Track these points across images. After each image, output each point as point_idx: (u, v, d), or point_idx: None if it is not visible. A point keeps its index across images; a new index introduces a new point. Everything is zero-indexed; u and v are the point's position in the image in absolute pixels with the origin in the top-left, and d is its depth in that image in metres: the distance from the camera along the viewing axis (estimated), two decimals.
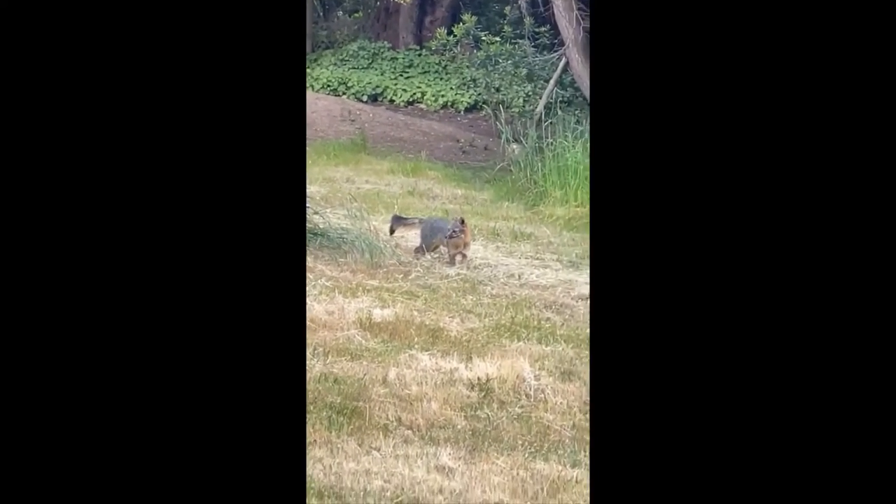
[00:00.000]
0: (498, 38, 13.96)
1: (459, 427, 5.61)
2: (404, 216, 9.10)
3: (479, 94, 15.51)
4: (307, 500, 4.51)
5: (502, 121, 12.88)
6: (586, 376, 5.97)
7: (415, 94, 16.42)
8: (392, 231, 8.94)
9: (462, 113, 15.99)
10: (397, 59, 17.31)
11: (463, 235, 8.45)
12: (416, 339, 6.73)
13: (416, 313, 7.20)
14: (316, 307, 7.13)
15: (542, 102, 13.41)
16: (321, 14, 19.02)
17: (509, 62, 13.85)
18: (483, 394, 5.98)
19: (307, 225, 8.66)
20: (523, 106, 13.70)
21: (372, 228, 8.69)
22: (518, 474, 5.11)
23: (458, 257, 8.51)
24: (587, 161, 10.28)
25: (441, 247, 8.57)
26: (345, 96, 16.27)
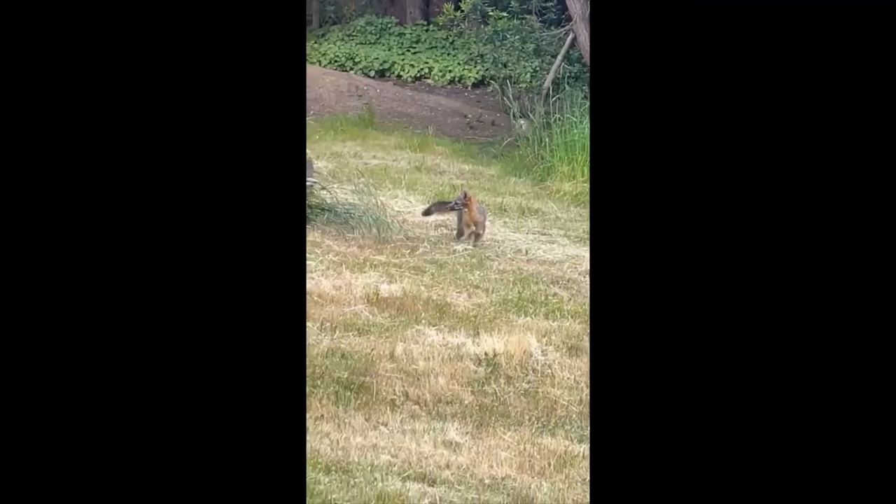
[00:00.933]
0: (505, 14, 13.91)
1: (466, 402, 5.62)
2: (447, 201, 8.89)
3: (487, 69, 15.46)
4: (316, 475, 4.54)
5: (510, 96, 12.85)
6: None
7: (422, 69, 16.38)
8: (428, 213, 8.76)
9: (469, 88, 15.96)
10: (405, 34, 17.26)
11: (465, 209, 8.34)
12: (423, 314, 6.74)
13: (423, 289, 7.21)
14: (323, 282, 7.14)
15: (549, 78, 13.38)
16: None
17: (517, 37, 13.80)
18: (490, 369, 5.99)
19: (314, 200, 8.66)
20: (531, 81, 13.66)
21: (379, 204, 8.68)
22: (525, 449, 5.12)
23: (472, 237, 8.40)
24: None
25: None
26: (352, 71, 16.23)
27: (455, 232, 8.46)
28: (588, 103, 11.49)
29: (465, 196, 8.37)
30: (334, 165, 10.45)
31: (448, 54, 16.76)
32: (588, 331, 6.42)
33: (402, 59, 16.59)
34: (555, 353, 6.20)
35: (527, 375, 5.97)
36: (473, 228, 8.42)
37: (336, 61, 16.47)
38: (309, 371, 5.69)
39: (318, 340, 6.16)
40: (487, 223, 8.65)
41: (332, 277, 7.29)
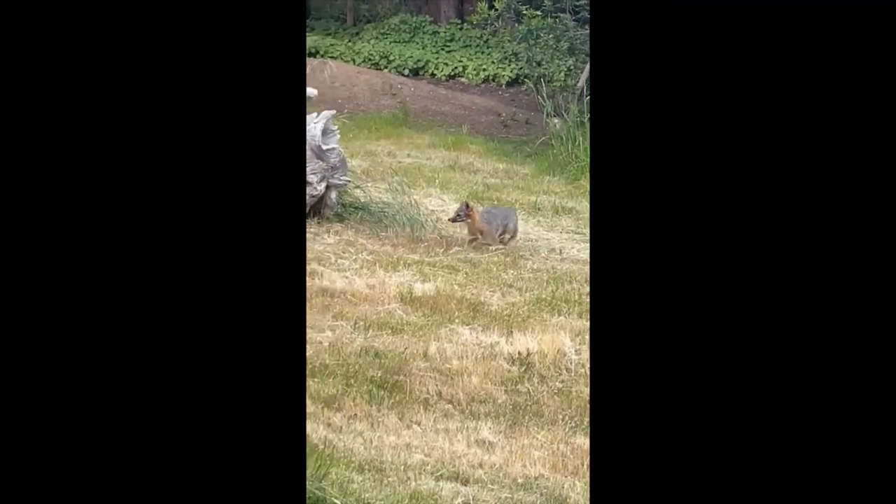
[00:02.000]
0: (539, 12, 13.88)
1: (500, 401, 5.61)
2: (489, 208, 8.71)
3: (521, 68, 15.44)
4: (349, 474, 4.54)
5: (544, 95, 12.83)
6: None
7: (456, 68, 16.38)
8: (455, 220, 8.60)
9: (503, 87, 15.94)
10: (439, 33, 17.26)
11: (468, 220, 8.17)
12: (456, 313, 6.73)
13: (456, 287, 7.20)
14: (357, 281, 7.15)
15: (583, 76, 13.34)
16: None
17: (550, 36, 13.78)
18: (524, 368, 5.98)
19: (348, 199, 8.67)
20: (565, 80, 13.64)
21: (413, 202, 8.68)
22: (558, 448, 5.11)
23: (480, 246, 8.19)
24: None
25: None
26: (386, 70, 16.25)
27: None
28: None
29: (467, 207, 8.24)
30: (368, 164, 10.46)
31: (482, 53, 16.76)
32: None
33: (437, 58, 16.60)
34: (588, 352, 6.18)
35: (560, 375, 5.95)
36: (480, 238, 8.25)
37: (370, 60, 16.49)
38: (342, 370, 5.70)
39: (351, 339, 6.17)
40: (521, 222, 8.62)
41: (365, 276, 7.30)
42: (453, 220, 8.29)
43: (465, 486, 4.69)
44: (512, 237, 8.37)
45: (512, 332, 6.43)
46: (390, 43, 17.04)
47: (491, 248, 8.20)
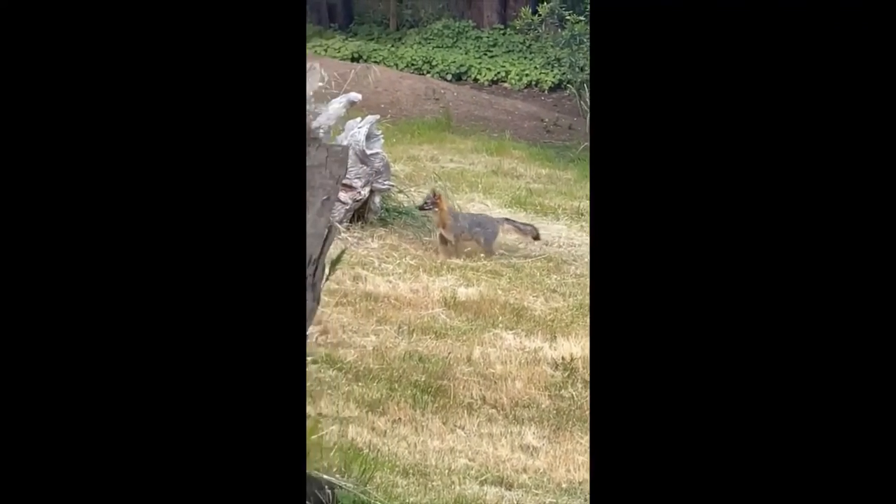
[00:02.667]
0: (582, 18, 13.86)
1: (544, 406, 5.62)
2: (516, 221, 8.56)
3: (564, 73, 15.42)
4: (394, 478, 4.56)
5: (586, 100, 12.81)
6: None
7: (499, 73, 16.38)
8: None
9: (546, 92, 15.92)
10: (482, 37, 17.27)
11: (436, 209, 7.96)
12: (500, 318, 6.74)
13: (500, 292, 7.21)
14: (401, 286, 7.17)
15: None
16: None
17: None
18: (567, 373, 5.98)
19: (392, 203, 8.70)
20: None
21: (457, 207, 8.70)
22: None
23: (444, 242, 7.97)
24: None
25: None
26: (429, 75, 16.27)
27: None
28: None
29: (434, 195, 8.06)
30: (411, 169, 10.49)
31: (525, 58, 16.75)
32: None
33: (479, 63, 16.60)
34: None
35: None
36: (441, 231, 8.02)
37: (413, 65, 16.52)
38: (386, 374, 5.72)
39: (395, 343, 6.19)
40: (564, 227, 8.61)
41: (409, 281, 7.32)
42: (421, 207, 8.17)
43: (510, 490, 4.70)
44: (484, 251, 8.01)
45: (555, 336, 6.43)
46: (433, 48, 17.06)
47: (449, 250, 7.95)
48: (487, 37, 17.29)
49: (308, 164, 3.33)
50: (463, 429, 5.30)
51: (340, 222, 7.56)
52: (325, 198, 3.40)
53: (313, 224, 3.36)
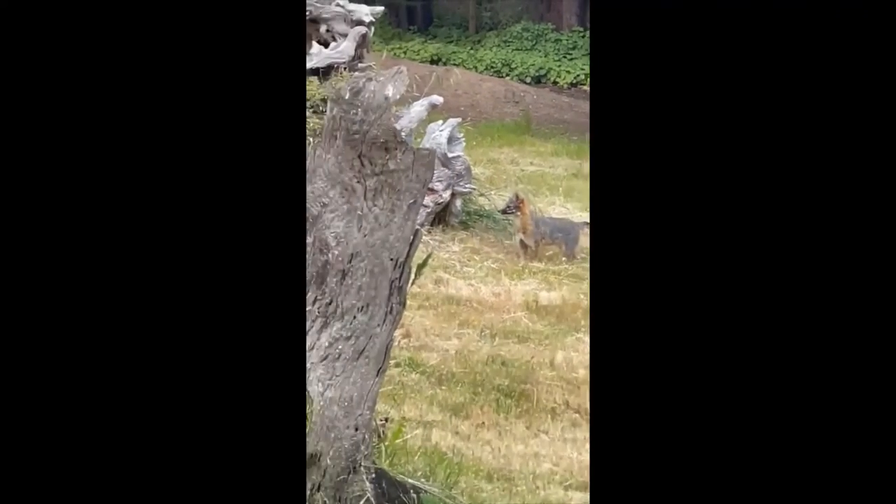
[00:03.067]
0: None
1: None
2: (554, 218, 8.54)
3: None
4: (478, 483, 4.54)
5: None
6: None
7: (578, 75, 16.34)
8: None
9: None
10: (561, 40, 17.23)
11: (518, 213, 7.86)
12: (582, 322, 6.69)
13: (582, 296, 7.16)
14: (483, 289, 7.15)
15: None
16: None
17: None
18: None
19: (472, 207, 8.69)
20: None
21: (538, 210, 8.66)
22: None
23: (524, 248, 7.90)
24: None
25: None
26: (508, 78, 16.25)
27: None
28: None
29: (517, 199, 7.96)
30: (491, 172, 10.47)
31: None
32: None
33: (559, 66, 16.57)
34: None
35: None
36: (522, 236, 7.94)
37: (492, 67, 16.52)
38: (469, 378, 5.70)
39: (478, 347, 6.17)
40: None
41: (491, 284, 7.30)
42: (503, 211, 8.12)
43: None
44: (566, 255, 7.94)
45: None
46: (512, 51, 17.05)
47: (530, 255, 7.87)
48: (567, 39, 17.24)
49: (393, 167, 3.32)
50: (547, 433, 5.27)
51: (422, 225, 7.56)
52: (411, 201, 3.38)
53: (399, 228, 3.35)
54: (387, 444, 3.97)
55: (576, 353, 6.20)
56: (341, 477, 3.31)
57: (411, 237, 3.41)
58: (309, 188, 3.28)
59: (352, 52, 9.36)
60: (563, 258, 7.91)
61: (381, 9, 10.52)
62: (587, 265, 7.89)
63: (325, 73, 9.20)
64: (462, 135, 8.60)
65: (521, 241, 7.94)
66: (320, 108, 7.70)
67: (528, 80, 16.26)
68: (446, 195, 8.21)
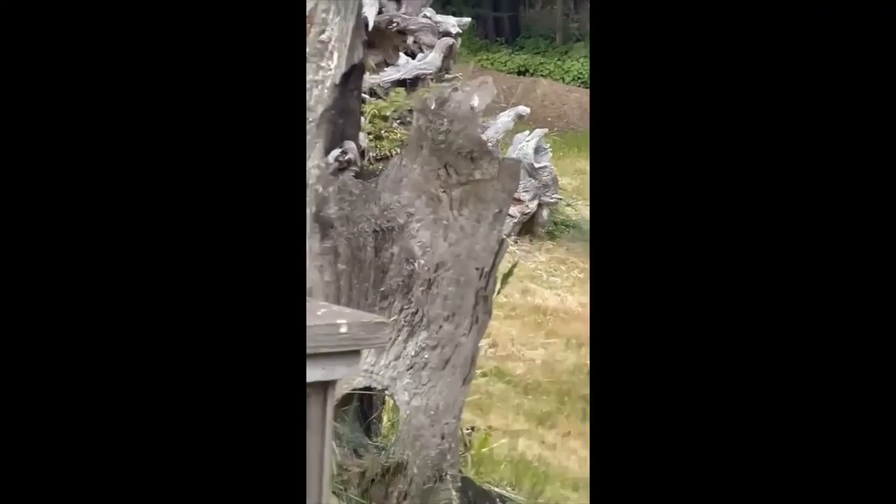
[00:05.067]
0: None
1: None
2: None
3: None
4: (565, 492, 4.54)
5: None
6: None
7: None
8: None
9: None
10: None
11: None
12: None
13: None
14: (569, 299, 7.15)
15: None
16: (573, 6, 19.01)
17: None
18: None
19: (559, 217, 8.69)
20: None
21: None
22: None
23: None
24: None
25: None
26: None
27: None
28: None
29: None
30: (578, 182, 10.46)
31: None
32: None
33: None
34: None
35: None
36: None
37: (579, 78, 16.50)
38: (555, 388, 5.71)
39: (564, 357, 6.17)
40: None
41: (577, 294, 7.29)
42: None
43: None
44: None
45: None
46: None
47: None
48: None
49: (479, 177, 3.34)
50: None
51: (508, 235, 7.58)
52: (496, 211, 3.40)
53: (485, 237, 3.37)
54: (473, 453, 3.98)
55: None
56: (427, 486, 3.33)
57: (497, 247, 3.43)
58: (395, 198, 3.31)
59: (438, 64, 9.40)
60: None
61: (468, 20, 10.55)
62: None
63: (412, 83, 9.26)
64: (549, 145, 8.61)
65: None
66: (407, 119, 7.75)
67: None
68: (533, 205, 8.21)
